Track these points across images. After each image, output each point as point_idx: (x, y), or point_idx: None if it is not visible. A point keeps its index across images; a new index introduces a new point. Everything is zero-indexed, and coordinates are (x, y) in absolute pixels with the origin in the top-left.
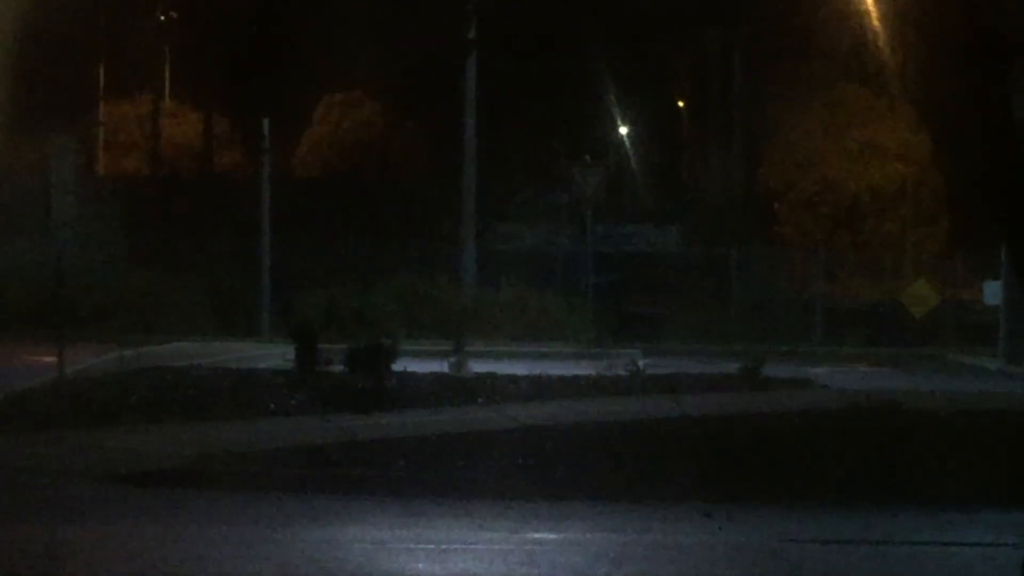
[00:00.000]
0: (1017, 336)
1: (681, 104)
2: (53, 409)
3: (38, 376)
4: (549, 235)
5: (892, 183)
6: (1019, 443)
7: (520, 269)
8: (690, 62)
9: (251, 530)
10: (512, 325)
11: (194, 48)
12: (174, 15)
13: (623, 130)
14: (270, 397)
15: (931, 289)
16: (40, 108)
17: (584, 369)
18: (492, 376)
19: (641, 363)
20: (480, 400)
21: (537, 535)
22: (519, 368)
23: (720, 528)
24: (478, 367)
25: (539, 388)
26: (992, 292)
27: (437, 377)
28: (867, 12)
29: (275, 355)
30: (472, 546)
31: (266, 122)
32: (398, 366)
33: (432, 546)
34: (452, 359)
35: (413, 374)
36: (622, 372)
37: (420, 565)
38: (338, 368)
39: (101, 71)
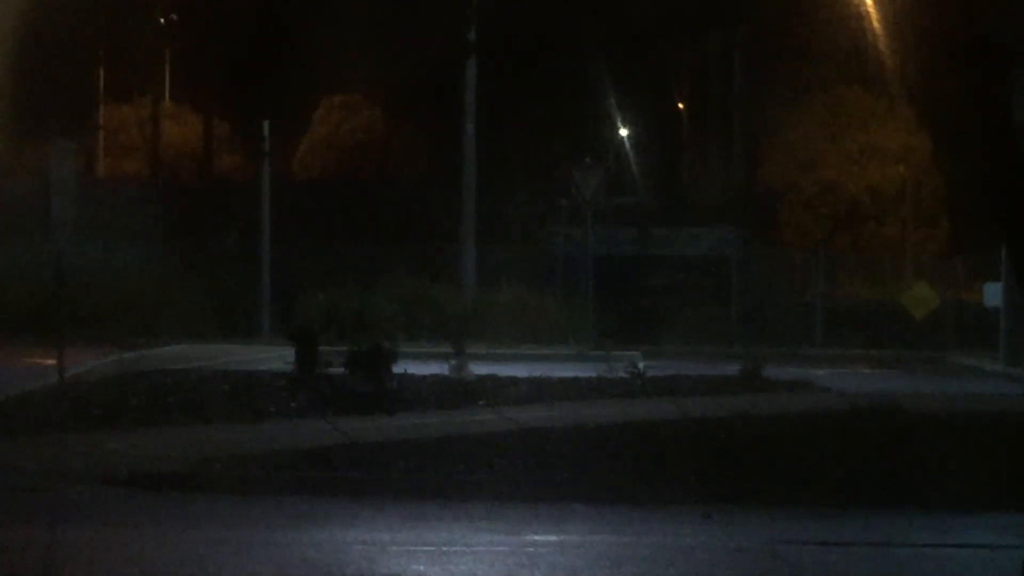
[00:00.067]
0: (1017, 337)
1: (681, 105)
2: (53, 412)
3: (38, 378)
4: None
5: (892, 184)
6: (1019, 445)
7: (521, 270)
8: (690, 63)
9: (251, 532)
10: (512, 327)
11: (194, 50)
12: (174, 17)
13: (623, 131)
14: (270, 399)
15: (931, 291)
16: (40, 110)
17: (584, 371)
18: (492, 378)
19: (641, 365)
20: (480, 402)
21: (537, 537)
22: (519, 370)
23: (712, 516)
24: (478, 369)
25: (539, 390)
26: (992, 293)
27: (437, 379)
28: (867, 14)
29: (275, 357)
30: (472, 548)
31: (266, 124)
32: (398, 368)
33: (432, 548)
34: (452, 361)
35: (413, 376)
36: (622, 374)
37: (420, 567)
38: (338, 370)
39: (101, 73)
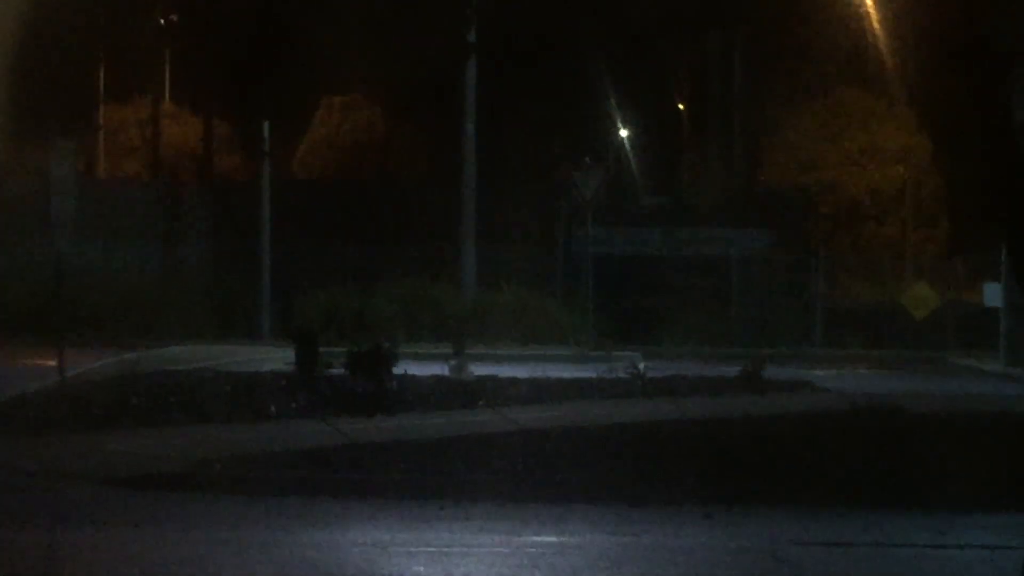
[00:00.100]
0: (1017, 337)
1: (681, 106)
2: (54, 412)
3: (38, 379)
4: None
5: (892, 184)
6: (1019, 445)
7: (521, 270)
8: (690, 63)
9: (252, 533)
10: (512, 327)
11: (194, 50)
12: (174, 18)
13: (623, 132)
14: (271, 400)
15: (931, 291)
16: (40, 110)
17: (585, 372)
18: (493, 379)
19: (641, 365)
20: (481, 403)
21: (537, 538)
22: (520, 371)
23: (712, 516)
24: (479, 370)
25: (539, 391)
26: (992, 294)
27: (438, 380)
28: (867, 14)
29: (275, 358)
30: (472, 549)
31: (266, 125)
32: (398, 369)
33: (433, 549)
34: (452, 362)
35: (414, 377)
36: (623, 375)
37: (420, 568)
38: (339, 371)
39: (101, 73)
